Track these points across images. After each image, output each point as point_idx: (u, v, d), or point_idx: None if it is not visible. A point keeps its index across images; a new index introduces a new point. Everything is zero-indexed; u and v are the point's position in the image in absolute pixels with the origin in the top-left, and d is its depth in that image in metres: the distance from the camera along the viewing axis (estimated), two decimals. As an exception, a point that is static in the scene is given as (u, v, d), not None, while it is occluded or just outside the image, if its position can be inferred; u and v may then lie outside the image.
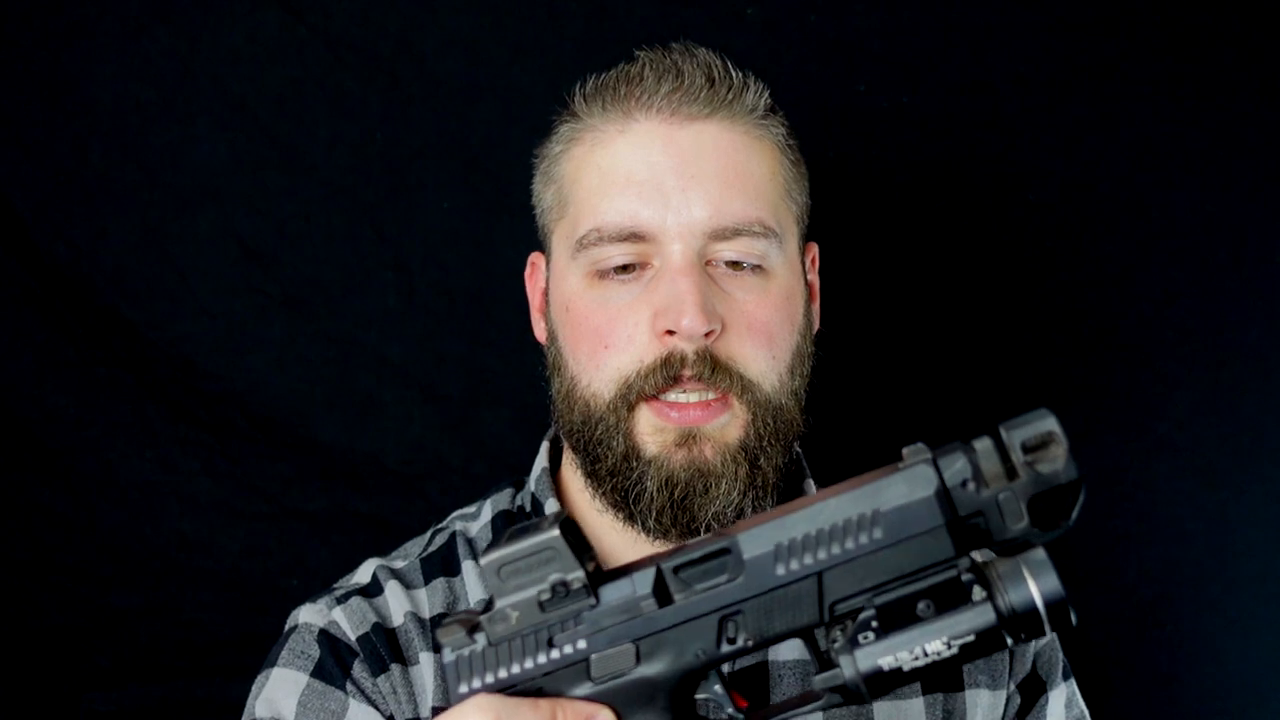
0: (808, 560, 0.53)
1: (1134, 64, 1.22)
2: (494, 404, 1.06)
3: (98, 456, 1.18)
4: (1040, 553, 0.51)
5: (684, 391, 0.76)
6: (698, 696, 0.55)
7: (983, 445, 0.51)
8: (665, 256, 0.83)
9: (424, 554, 0.94)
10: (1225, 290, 1.22)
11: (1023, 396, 1.18)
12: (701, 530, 0.82)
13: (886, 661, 0.51)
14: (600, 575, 0.56)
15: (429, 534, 0.98)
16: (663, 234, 0.82)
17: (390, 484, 1.21)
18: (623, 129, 0.85)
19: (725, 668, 0.64)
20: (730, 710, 0.55)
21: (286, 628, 0.89)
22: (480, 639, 0.56)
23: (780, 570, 0.53)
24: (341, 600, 0.88)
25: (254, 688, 0.86)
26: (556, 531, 0.54)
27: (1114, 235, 1.22)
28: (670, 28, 1.16)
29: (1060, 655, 0.95)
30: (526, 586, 0.55)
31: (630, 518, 0.78)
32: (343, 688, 0.83)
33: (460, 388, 1.21)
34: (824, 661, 0.54)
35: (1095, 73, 1.22)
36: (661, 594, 0.54)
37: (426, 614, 0.82)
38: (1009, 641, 0.50)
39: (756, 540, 0.53)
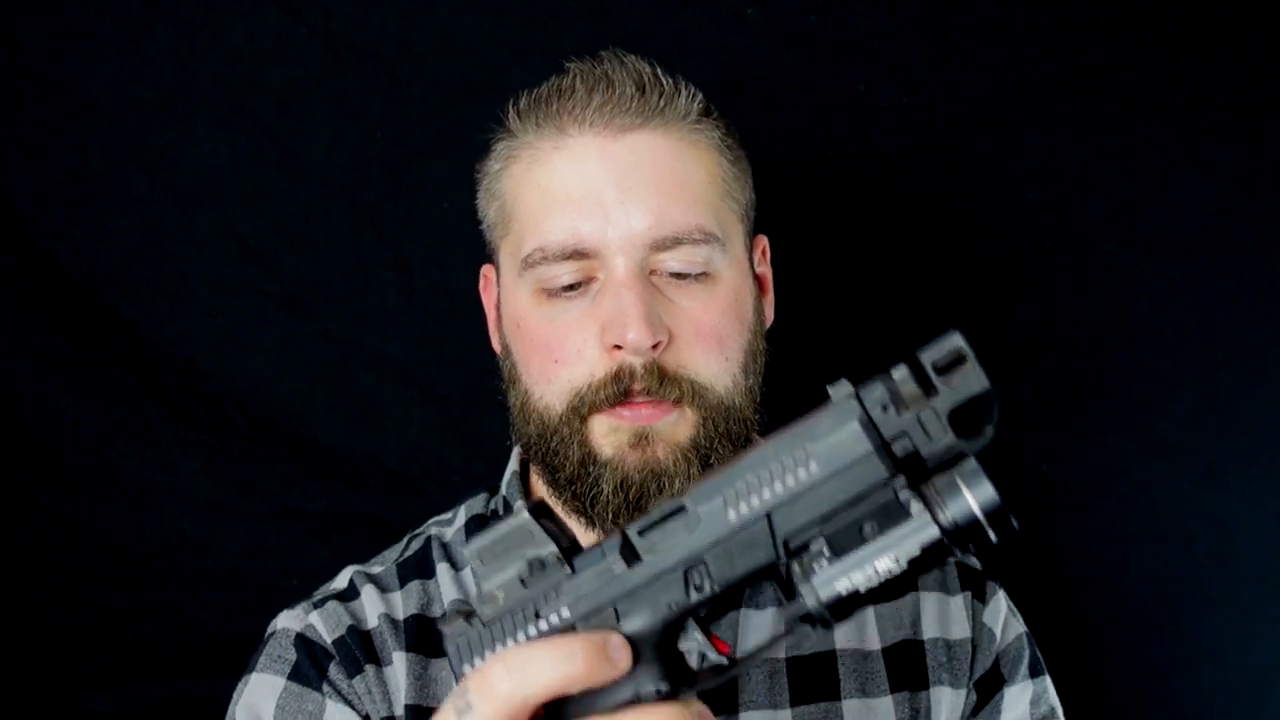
0: (754, 503, 0.56)
1: (1133, 64, 1.22)
2: (494, 404, 1.05)
3: (97, 456, 1.19)
4: (972, 463, 0.53)
5: (635, 407, 0.78)
6: (682, 647, 0.58)
7: (899, 372, 0.54)
8: (609, 270, 0.84)
9: (400, 559, 0.96)
10: (1224, 290, 1.22)
11: (1021, 396, 1.22)
12: None
13: (843, 585, 0.54)
14: (573, 549, 0.59)
15: (405, 540, 0.99)
16: (605, 248, 0.83)
17: (390, 484, 1.22)
18: (558, 145, 0.86)
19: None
20: (713, 655, 0.58)
21: (266, 634, 0.91)
22: (475, 623, 0.59)
23: (732, 517, 0.56)
24: (318, 605, 0.90)
25: (235, 694, 0.88)
26: (526, 515, 0.58)
27: (1113, 235, 1.23)
28: (670, 28, 1.21)
29: (1029, 653, 0.97)
30: (507, 567, 0.58)
31: (590, 521, 0.79)
32: (319, 689, 0.85)
33: (460, 388, 1.21)
34: (792, 597, 0.57)
35: (1095, 73, 1.23)
36: (629, 556, 0.57)
37: (400, 616, 0.83)
38: (957, 552, 0.53)
39: (706, 494, 0.57)
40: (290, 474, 1.22)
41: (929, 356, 0.54)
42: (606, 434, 0.79)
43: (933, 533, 0.53)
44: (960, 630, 0.95)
